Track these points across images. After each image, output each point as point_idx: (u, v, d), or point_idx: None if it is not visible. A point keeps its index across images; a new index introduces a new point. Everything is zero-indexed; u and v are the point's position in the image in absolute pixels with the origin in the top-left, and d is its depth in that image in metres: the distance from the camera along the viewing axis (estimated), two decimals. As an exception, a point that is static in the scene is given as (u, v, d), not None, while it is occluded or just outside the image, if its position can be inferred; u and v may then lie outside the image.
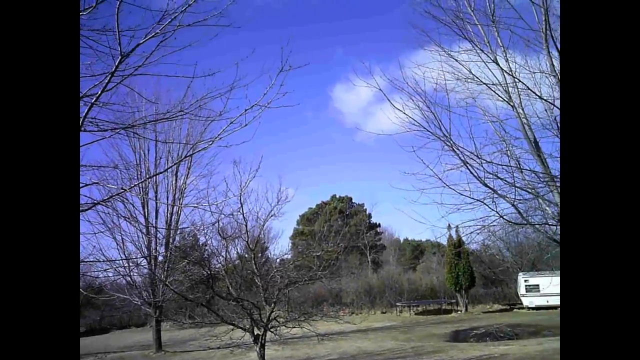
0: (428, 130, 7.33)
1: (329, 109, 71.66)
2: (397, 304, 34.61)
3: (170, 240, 21.91)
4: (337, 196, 53.76)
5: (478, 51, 7.39)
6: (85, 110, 5.08)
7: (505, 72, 7.32)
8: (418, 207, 7.75)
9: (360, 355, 15.91)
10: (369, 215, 52.52)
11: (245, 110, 4.86)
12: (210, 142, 6.13)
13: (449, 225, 17.53)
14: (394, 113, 7.53)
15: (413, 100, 7.55)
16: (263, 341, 10.49)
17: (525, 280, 29.48)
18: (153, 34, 4.67)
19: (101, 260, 13.44)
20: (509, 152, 7.55)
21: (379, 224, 53.77)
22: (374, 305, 35.99)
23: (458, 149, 7.08)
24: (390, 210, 78.19)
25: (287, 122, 70.93)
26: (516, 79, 7.23)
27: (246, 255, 12.84)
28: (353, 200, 54.13)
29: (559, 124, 7.17)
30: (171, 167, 21.53)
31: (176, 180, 23.08)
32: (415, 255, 53.26)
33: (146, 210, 22.25)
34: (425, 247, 53.66)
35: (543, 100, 7.01)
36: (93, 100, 5.09)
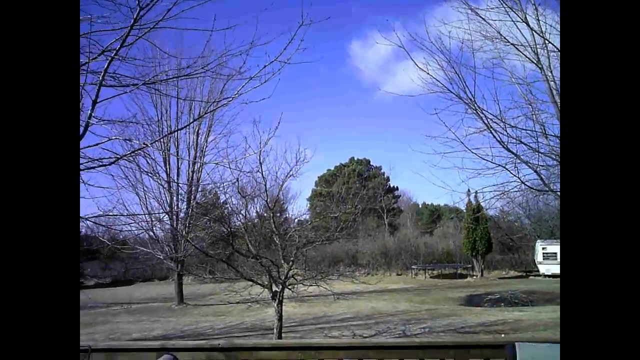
0: (451, 92, 7.14)
1: (346, 66, 69.89)
2: (413, 266, 35.01)
3: (192, 197, 22.35)
4: (356, 158, 53.62)
5: (507, 9, 7.08)
6: (106, 65, 5.10)
7: (535, 32, 7.03)
8: (438, 171, 7.63)
9: (375, 315, 16.30)
10: (387, 179, 52.44)
11: (265, 66, 4.81)
12: (230, 99, 6.13)
13: (469, 190, 17.37)
14: (416, 73, 7.30)
15: (436, 59, 7.32)
16: (281, 298, 10.80)
17: (543, 248, 29.39)
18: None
19: (124, 214, 13.86)
20: (534, 116, 7.37)
21: (397, 187, 53.76)
22: (390, 267, 36.50)
23: (482, 112, 6.93)
24: (409, 174, 77.58)
25: (305, 80, 69.57)
26: (546, 40, 6.96)
27: (265, 214, 13.05)
28: (371, 163, 53.99)
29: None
30: (192, 122, 21.65)
31: (197, 137, 23.27)
32: (432, 220, 53.32)
33: (168, 166, 22.63)
34: (443, 212, 53.61)
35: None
36: (113, 54, 5.10)
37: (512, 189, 7.59)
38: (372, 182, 49.14)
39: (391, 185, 52.80)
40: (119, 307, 22.63)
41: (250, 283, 11.52)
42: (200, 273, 18.13)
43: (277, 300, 10.71)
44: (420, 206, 57.78)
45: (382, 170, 53.08)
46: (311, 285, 11.57)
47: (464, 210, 33.26)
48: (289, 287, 11.16)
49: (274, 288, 10.90)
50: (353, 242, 34.93)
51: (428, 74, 7.19)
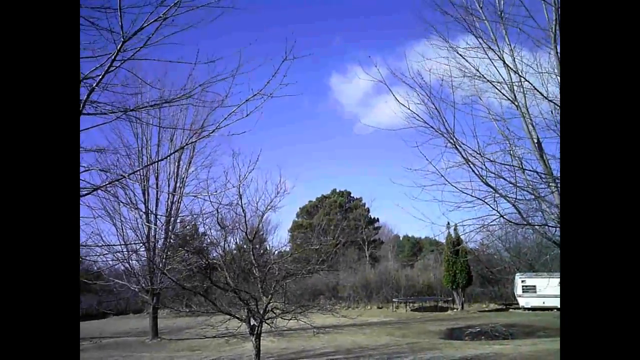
0: (431, 127, 7.27)
1: (327, 99, 71.02)
2: (394, 299, 34.71)
3: (170, 229, 21.93)
4: (337, 190, 53.76)
5: (485, 48, 7.31)
6: (87, 93, 5.04)
7: (512, 70, 7.27)
8: (418, 204, 7.68)
9: (355, 349, 15.97)
10: (368, 210, 52.58)
11: (247, 99, 4.83)
12: (212, 131, 6.11)
13: (448, 223, 17.52)
14: (396, 106, 7.44)
15: (417, 93, 7.47)
16: (259, 332, 10.53)
17: (523, 281, 29.54)
18: (157, 16, 4.61)
19: (100, 245, 13.45)
20: (511, 151, 7.52)
21: (378, 219, 53.86)
22: (371, 300, 36.11)
23: (461, 147, 7.05)
24: (390, 205, 78.21)
25: (286, 113, 70.38)
26: (522, 78, 7.19)
27: (244, 246, 12.87)
28: (352, 195, 54.16)
29: (564, 125, 7.12)
30: (173, 153, 21.51)
31: (178, 168, 23.06)
32: (413, 252, 53.35)
33: (147, 197, 22.25)
34: (423, 244, 53.74)
35: (548, 101, 6.97)
36: (95, 84, 5.05)
37: (492, 222, 7.65)
38: (353, 214, 49.19)
39: (372, 217, 52.91)
40: (89, 342, 21.71)
41: (228, 317, 11.22)
42: (177, 306, 17.66)
43: (255, 335, 10.44)
44: (401, 238, 57.87)
45: (363, 202, 53.26)
46: (291, 319, 11.32)
47: (444, 243, 33.39)
48: (268, 321, 10.90)
49: (252, 322, 10.64)
50: (334, 275, 34.57)
51: (408, 108, 7.31)
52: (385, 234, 56.22)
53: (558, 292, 25.12)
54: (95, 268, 20.05)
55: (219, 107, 5.61)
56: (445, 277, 32.84)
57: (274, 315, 11.21)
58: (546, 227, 7.78)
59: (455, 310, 32.20)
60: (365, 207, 52.74)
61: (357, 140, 73.59)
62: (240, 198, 10.98)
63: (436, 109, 7.29)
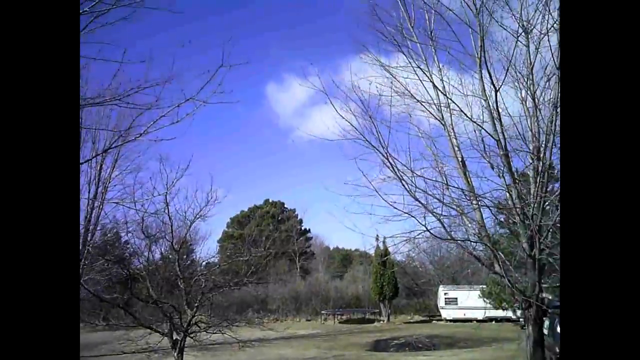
0: (367, 140, 7.40)
1: (263, 108, 70.56)
2: (322, 312, 34.85)
3: (89, 236, 20.52)
4: (270, 200, 53.39)
5: (415, 67, 7.60)
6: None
7: (440, 91, 7.59)
8: (350, 216, 7.77)
9: (281, 362, 15.79)
10: (301, 221, 52.68)
11: (179, 104, 4.64)
12: (139, 134, 5.79)
13: (377, 236, 17.87)
14: (332, 119, 7.52)
15: (351, 108, 7.58)
16: (182, 346, 10.09)
17: (445, 293, 30.83)
18: (84, 9, 4.32)
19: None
20: (439, 168, 7.83)
21: (309, 230, 54.08)
22: (300, 312, 36.02)
23: (393, 161, 7.22)
24: (323, 217, 78.78)
25: (221, 121, 68.98)
26: (449, 100, 7.53)
27: (170, 257, 12.33)
28: (286, 206, 54.03)
29: (485, 145, 7.54)
30: (96, 156, 20.21)
31: (100, 172, 21.71)
32: (343, 264, 54.02)
33: (64, 202, 20.75)
34: (354, 257, 54.63)
35: (472, 122, 7.34)
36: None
37: (418, 235, 7.88)
38: (285, 225, 49.02)
39: (304, 229, 53.03)
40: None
41: (149, 331, 10.65)
42: (93, 320, 16.48)
43: (177, 350, 9.99)
44: (332, 249, 58.44)
45: (296, 213, 53.28)
46: (216, 333, 10.96)
47: (373, 256, 34.15)
48: (191, 335, 10.48)
49: (175, 336, 10.18)
50: (263, 287, 34.11)
51: (346, 120, 7.40)
52: (317, 245, 56.54)
53: (478, 304, 26.48)
54: None
55: (149, 110, 5.34)
56: (373, 289, 33.52)
57: (199, 329, 10.81)
58: (468, 241, 8.14)
59: (382, 322, 32.90)
60: (298, 218, 52.82)
61: (293, 151, 73.83)
62: (167, 206, 10.53)
63: (372, 123, 7.44)
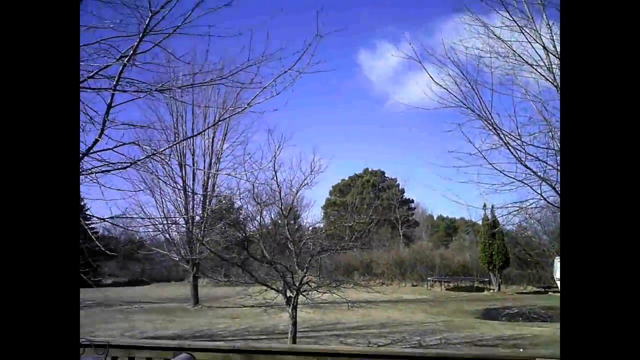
0: (467, 107, 7.03)
1: (356, 76, 68.93)
2: (429, 278, 34.62)
3: (207, 202, 22.50)
4: (370, 169, 53.47)
5: (521, 26, 6.90)
6: (119, 70, 5.20)
7: (550, 52, 6.86)
8: (453, 186, 7.52)
9: (390, 324, 16.13)
10: (402, 190, 52.14)
11: (279, 75, 4.84)
12: (244, 108, 6.20)
13: (485, 205, 17.14)
14: (428, 86, 7.18)
15: (450, 72, 7.19)
16: (295, 303, 10.78)
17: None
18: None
19: (142, 217, 14.05)
20: (552, 133, 7.18)
21: (412, 199, 53.39)
22: (405, 278, 36.15)
23: (498, 128, 6.81)
24: (424, 186, 76.71)
25: (316, 91, 69.19)
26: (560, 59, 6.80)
27: (279, 221, 13.09)
28: (386, 175, 53.75)
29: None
30: (206, 130, 21.88)
31: (212, 144, 23.49)
32: (448, 233, 52.77)
33: (184, 172, 22.85)
34: (459, 225, 53.02)
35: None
36: (125, 61, 5.21)
37: (531, 204, 7.42)
38: (386, 193, 48.92)
39: (406, 197, 52.46)
40: (136, 306, 22.83)
41: (265, 288, 11.53)
42: (215, 276, 18.24)
43: (291, 306, 10.69)
44: (435, 219, 57.23)
45: (397, 182, 52.80)
46: (325, 293, 11.52)
47: (481, 224, 32.83)
48: (303, 293, 11.13)
49: (288, 293, 10.89)
50: (367, 252, 34.71)
51: (446, 89, 7.07)
52: (420, 214, 55.71)
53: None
54: (138, 238, 20.90)
55: (250, 86, 5.67)
56: (481, 258, 32.41)
57: (310, 288, 11.44)
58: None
59: (491, 291, 31.83)
60: (400, 187, 52.32)
61: (389, 120, 71.86)
62: (275, 174, 11.20)
63: (472, 88, 7.02)
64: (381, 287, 24.61)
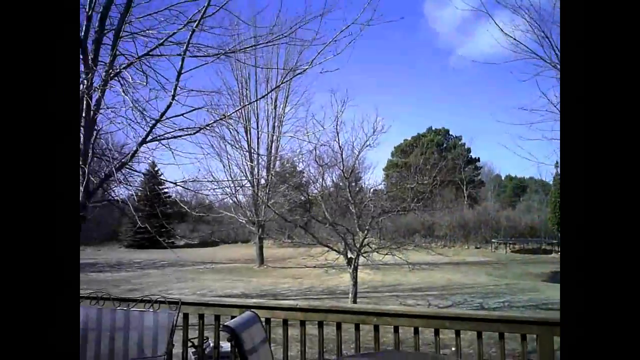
0: (540, 57, 6.63)
1: (420, 29, 65.17)
2: (493, 240, 33.81)
3: (271, 166, 23.16)
4: (434, 128, 51.94)
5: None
6: (188, 36, 5.38)
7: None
8: (524, 143, 7.20)
9: (451, 286, 16.09)
10: (468, 150, 50.40)
11: (342, 30, 4.81)
12: (304, 69, 6.24)
13: (557, 162, 16.28)
14: (498, 35, 6.80)
15: (524, 18, 6.76)
16: (356, 264, 11.02)
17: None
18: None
19: (210, 180, 14.72)
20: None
21: (478, 158, 51.52)
22: (468, 240, 35.53)
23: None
24: (492, 144, 73.24)
25: (380, 48, 66.77)
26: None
27: (341, 184, 13.24)
28: (450, 133, 52.04)
29: None
30: (269, 93, 22.22)
31: (275, 108, 23.89)
32: (516, 193, 50.74)
33: (249, 136, 23.53)
34: (528, 185, 50.74)
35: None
36: (194, 26, 5.37)
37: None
38: (451, 153, 47.47)
39: (472, 157, 50.71)
40: (205, 266, 24.33)
41: (326, 249, 11.87)
42: (280, 237, 18.96)
43: (352, 267, 10.96)
44: (503, 179, 55.09)
45: (462, 141, 51.07)
46: (386, 254, 11.66)
47: (552, 184, 31.25)
48: (364, 254, 11.34)
49: (349, 255, 11.14)
50: (430, 214, 34.28)
51: (514, 39, 6.71)
52: (486, 173, 53.81)
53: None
54: (207, 201, 21.96)
55: (311, 44, 5.67)
56: (550, 219, 31.06)
57: (370, 249, 11.62)
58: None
59: (559, 253, 30.59)
60: (465, 146, 50.59)
61: (455, 74, 68.49)
62: (337, 135, 11.25)
63: (545, 36, 6.60)
64: (443, 249, 24.42)
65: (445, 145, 50.46)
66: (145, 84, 5.64)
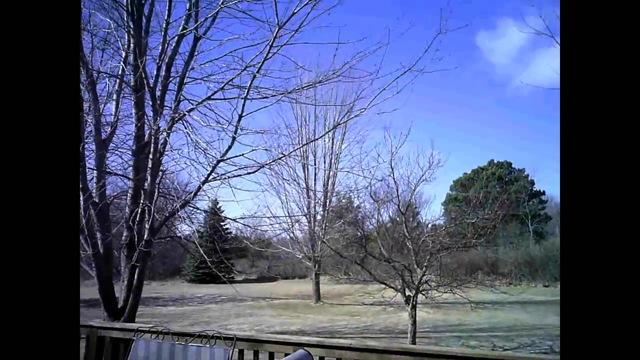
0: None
1: (475, 61, 64.13)
2: (563, 278, 31.68)
3: (327, 202, 23.37)
4: (495, 161, 50.29)
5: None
6: (250, 80, 5.67)
7: None
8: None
9: (517, 327, 15.15)
10: (532, 182, 48.19)
11: (398, 77, 4.90)
12: (362, 110, 6.37)
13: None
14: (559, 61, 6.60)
15: None
16: (414, 302, 10.70)
17: None
18: (307, 1, 4.94)
19: (268, 216, 15.10)
20: None
21: (543, 191, 49.04)
22: (535, 278, 33.47)
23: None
24: (556, 177, 69.47)
25: (434, 82, 66.47)
26: None
27: (397, 219, 13.07)
28: (513, 166, 50.11)
29: None
30: (327, 132, 22.67)
31: (332, 145, 24.34)
32: (587, 227, 47.57)
33: (306, 173, 23.98)
34: (600, 219, 47.50)
35: None
36: (256, 70, 5.66)
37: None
38: (514, 186, 45.65)
39: (536, 190, 48.40)
40: (264, 301, 24.52)
41: (383, 286, 11.63)
42: (336, 273, 18.85)
43: (410, 305, 10.65)
44: (572, 212, 51.99)
45: (525, 173, 48.96)
46: (446, 292, 11.24)
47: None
48: (423, 292, 11.00)
49: (407, 292, 10.85)
50: (493, 250, 32.82)
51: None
52: (553, 207, 50.99)
53: None
54: (266, 237, 22.41)
55: (369, 84, 5.80)
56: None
57: (429, 287, 11.26)
58: None
59: None
60: (529, 179, 48.46)
61: (513, 104, 66.30)
62: (392, 170, 11.22)
63: None
64: (508, 288, 23.14)
65: (507, 178, 48.59)
66: (209, 125, 5.99)
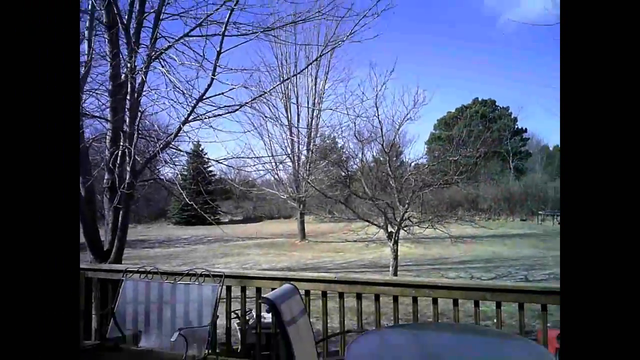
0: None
1: None
2: (540, 212, 32.77)
3: (311, 142, 23.28)
4: (480, 99, 50.18)
5: None
6: (227, 15, 5.42)
7: None
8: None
9: (495, 259, 15.83)
10: (514, 120, 48.52)
11: (378, 0, 4.74)
12: (345, 38, 6.19)
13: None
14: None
15: None
16: (396, 238, 11.02)
17: None
18: None
19: (251, 157, 15.01)
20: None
21: (526, 129, 49.53)
22: (513, 212, 34.60)
23: None
24: (541, 113, 69.82)
25: (420, 17, 64.43)
26: None
27: (381, 158, 13.15)
28: (497, 104, 50.14)
29: None
30: (308, 66, 22.14)
31: (315, 84, 23.84)
32: (565, 164, 48.59)
33: (289, 112, 23.68)
34: (578, 155, 48.44)
35: None
36: (233, 4, 5.40)
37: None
38: (497, 124, 45.94)
39: (519, 127, 48.83)
40: (250, 241, 25.01)
41: (367, 223, 11.90)
42: (320, 213, 19.16)
43: (392, 240, 10.97)
44: (551, 149, 52.86)
45: (509, 111, 49.14)
46: (427, 228, 11.57)
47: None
48: (405, 228, 11.30)
49: (390, 229, 11.14)
50: (474, 187, 33.50)
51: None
52: (533, 144, 51.77)
53: None
54: (250, 178, 22.43)
55: (351, 17, 5.61)
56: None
57: (411, 223, 11.56)
58: None
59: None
60: (512, 116, 48.72)
61: (500, 41, 65.26)
62: (377, 109, 11.13)
63: None
64: (487, 222, 23.89)
65: (491, 116, 48.75)
66: (186, 64, 5.78)
